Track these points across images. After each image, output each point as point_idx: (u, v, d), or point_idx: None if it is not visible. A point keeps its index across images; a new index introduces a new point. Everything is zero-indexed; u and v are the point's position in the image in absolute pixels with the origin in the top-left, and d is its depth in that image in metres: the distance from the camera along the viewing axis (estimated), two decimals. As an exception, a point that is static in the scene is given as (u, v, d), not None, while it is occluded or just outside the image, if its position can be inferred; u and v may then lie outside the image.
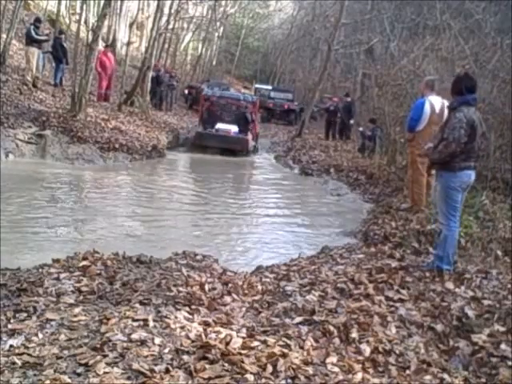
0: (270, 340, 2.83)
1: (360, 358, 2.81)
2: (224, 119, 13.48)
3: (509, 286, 3.97)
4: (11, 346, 2.62)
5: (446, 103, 5.31)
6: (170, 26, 19.75)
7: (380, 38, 16.47)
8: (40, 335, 2.74)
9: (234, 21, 32.83)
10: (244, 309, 3.41)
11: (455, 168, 4.20)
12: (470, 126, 4.13)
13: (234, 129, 13.00)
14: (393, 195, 8.14)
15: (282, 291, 3.77)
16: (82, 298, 3.30)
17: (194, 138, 12.83)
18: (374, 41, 16.73)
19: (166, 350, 2.61)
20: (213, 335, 2.82)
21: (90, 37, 12.88)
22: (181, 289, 3.50)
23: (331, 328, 3.09)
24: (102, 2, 13.60)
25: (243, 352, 2.64)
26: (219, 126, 13.06)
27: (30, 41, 12.00)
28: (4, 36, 12.38)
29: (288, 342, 2.86)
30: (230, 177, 10.77)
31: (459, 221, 4.52)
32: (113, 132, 10.78)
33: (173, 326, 2.90)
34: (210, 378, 2.39)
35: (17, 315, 2.98)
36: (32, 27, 12.03)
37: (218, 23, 27.72)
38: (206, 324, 2.99)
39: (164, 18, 18.04)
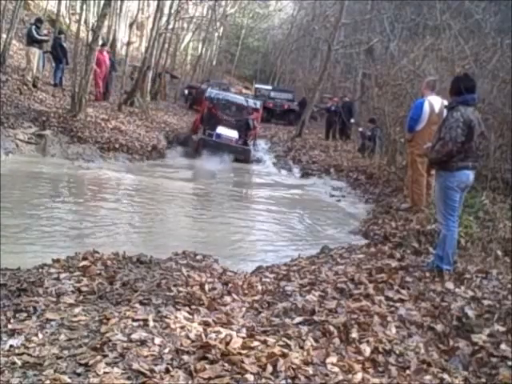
0: (270, 340, 2.83)
1: (360, 358, 2.81)
2: (225, 123, 12.97)
3: (509, 285, 3.97)
4: (11, 345, 2.62)
5: (446, 103, 5.31)
6: (170, 26, 19.72)
7: (380, 38, 16.44)
8: (40, 335, 2.74)
9: (233, 21, 32.78)
10: (244, 309, 3.41)
11: (453, 168, 4.20)
12: (468, 126, 4.13)
13: (235, 135, 12.55)
14: (393, 195, 8.16)
15: (282, 291, 3.77)
16: (81, 297, 3.30)
17: (196, 145, 12.18)
18: (374, 41, 16.70)
19: (166, 350, 2.61)
20: (213, 335, 2.81)
21: (90, 37, 12.88)
22: (181, 289, 3.50)
23: (331, 328, 3.09)
24: (102, 2, 13.59)
25: (243, 352, 2.64)
26: (220, 130, 12.59)
27: (31, 41, 12.01)
28: (4, 36, 12.38)
29: (288, 341, 2.85)
30: (229, 176, 10.77)
31: (459, 221, 4.52)
32: (113, 132, 10.78)
33: (173, 325, 2.90)
34: (210, 378, 2.39)
35: (17, 315, 2.97)
36: (33, 27, 12.03)
37: (218, 23, 27.69)
38: (206, 324, 2.99)
39: (164, 18, 18.04)
